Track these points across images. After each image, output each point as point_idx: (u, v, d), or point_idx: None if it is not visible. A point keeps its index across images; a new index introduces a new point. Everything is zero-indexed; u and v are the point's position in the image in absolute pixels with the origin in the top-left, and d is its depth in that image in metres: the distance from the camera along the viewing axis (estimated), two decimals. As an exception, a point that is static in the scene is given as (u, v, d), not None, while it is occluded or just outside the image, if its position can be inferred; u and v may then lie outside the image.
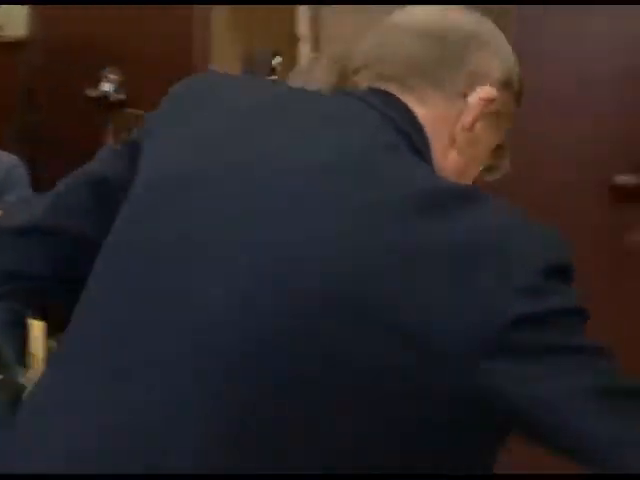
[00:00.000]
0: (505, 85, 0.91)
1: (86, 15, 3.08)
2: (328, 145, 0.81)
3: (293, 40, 2.82)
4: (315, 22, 2.76)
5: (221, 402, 0.75)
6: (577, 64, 2.01)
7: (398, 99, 0.87)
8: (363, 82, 0.91)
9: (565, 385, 0.74)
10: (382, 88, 0.88)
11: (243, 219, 0.79)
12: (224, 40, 2.82)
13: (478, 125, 0.90)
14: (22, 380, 1.80)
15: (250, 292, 0.76)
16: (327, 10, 2.78)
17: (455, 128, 0.89)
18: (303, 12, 2.72)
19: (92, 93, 3.06)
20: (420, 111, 0.87)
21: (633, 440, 0.74)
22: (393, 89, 0.88)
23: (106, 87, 3.05)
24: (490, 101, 0.89)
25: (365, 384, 0.74)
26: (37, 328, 2.24)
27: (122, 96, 3.03)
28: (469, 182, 0.94)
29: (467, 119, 0.88)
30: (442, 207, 0.76)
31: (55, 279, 0.97)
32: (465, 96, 0.89)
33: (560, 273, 0.75)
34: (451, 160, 0.90)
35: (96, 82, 3.06)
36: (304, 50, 2.77)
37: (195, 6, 2.81)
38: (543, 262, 0.74)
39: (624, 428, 0.74)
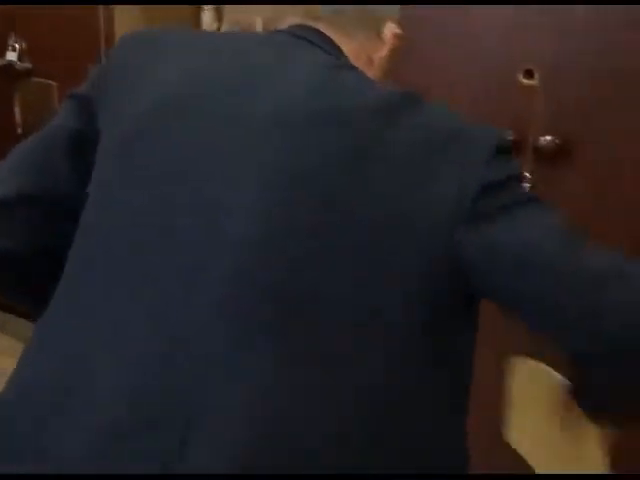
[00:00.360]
0: (400, 28, 1.12)
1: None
2: (294, 71, 0.93)
3: (197, 8, 2.88)
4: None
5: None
6: (456, 26, 2.14)
7: (325, 34, 1.03)
8: (291, 19, 1.07)
9: (537, 227, 0.87)
10: (311, 25, 1.04)
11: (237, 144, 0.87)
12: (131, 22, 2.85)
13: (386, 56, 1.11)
14: None
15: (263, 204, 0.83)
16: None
17: (373, 57, 1.09)
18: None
19: (-3, 62, 3.03)
20: (346, 46, 1.05)
21: (599, 270, 0.86)
22: (321, 27, 1.04)
23: (11, 56, 3.03)
24: (399, 38, 1.10)
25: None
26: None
27: (28, 65, 3.01)
28: None
29: (384, 50, 1.10)
30: (406, 107, 0.91)
31: (28, 251, 0.96)
32: (381, 33, 1.09)
33: (505, 150, 0.91)
34: None
35: (1, 51, 3.03)
36: (207, 18, 2.83)
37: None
38: (494, 142, 0.90)
39: (590, 260, 0.87)
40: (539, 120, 2.05)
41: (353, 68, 0.99)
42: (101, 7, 2.80)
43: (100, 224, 0.89)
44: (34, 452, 0.82)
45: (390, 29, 1.10)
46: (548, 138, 2.05)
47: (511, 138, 2.08)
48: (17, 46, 3.03)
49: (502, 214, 0.87)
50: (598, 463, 1.01)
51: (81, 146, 0.96)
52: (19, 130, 2.99)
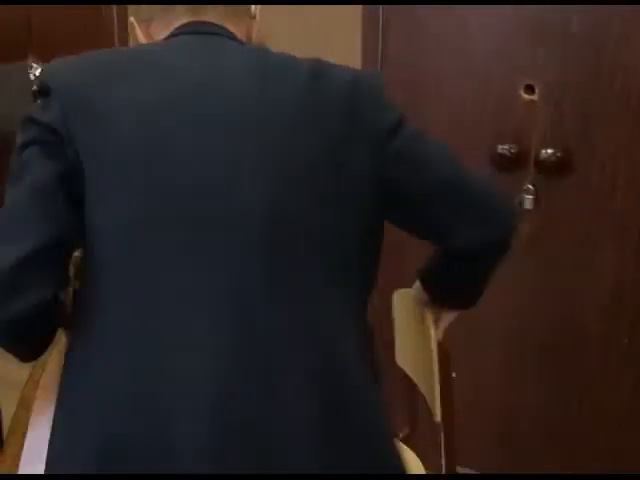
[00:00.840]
0: None
1: (7, 8, 3.14)
2: (230, 75, 1.07)
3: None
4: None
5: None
6: (457, 43, 2.21)
7: (224, 27, 1.15)
8: (180, 17, 1.16)
9: (436, 147, 1.15)
10: (206, 20, 1.15)
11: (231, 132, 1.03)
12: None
13: None
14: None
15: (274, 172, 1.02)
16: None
17: (251, 35, 1.21)
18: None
19: (16, 83, 3.12)
20: (238, 32, 1.17)
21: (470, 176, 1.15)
22: (214, 19, 1.15)
23: (29, 77, 3.11)
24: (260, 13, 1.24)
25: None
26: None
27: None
28: None
29: (257, 27, 1.22)
30: (324, 71, 1.10)
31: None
32: (251, 13, 1.21)
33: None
34: None
35: (20, 72, 3.11)
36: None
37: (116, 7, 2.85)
38: (383, 91, 1.13)
39: (476, 176, 1.15)
40: (540, 134, 2.12)
41: (268, 50, 1.14)
42: (116, 28, 2.88)
43: (137, 236, 1.00)
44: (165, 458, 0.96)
45: (256, 7, 1.22)
46: (549, 151, 2.11)
47: (514, 151, 2.15)
48: (36, 67, 3.10)
49: (409, 147, 1.11)
50: (431, 338, 1.40)
51: (70, 184, 1.02)
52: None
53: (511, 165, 2.16)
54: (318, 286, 1.04)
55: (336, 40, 2.67)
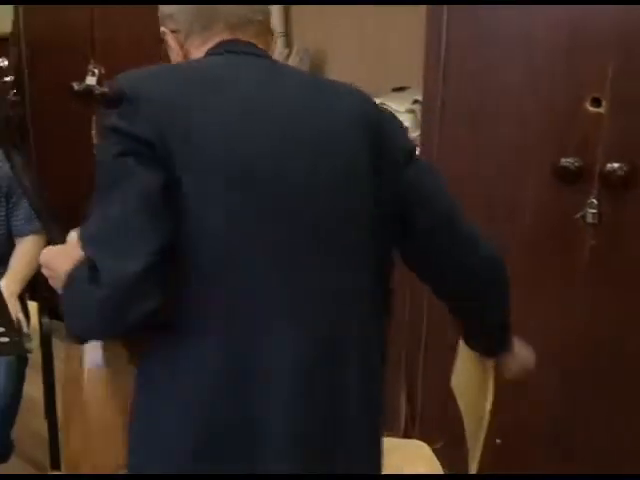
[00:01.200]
0: None
1: (71, 15, 3.19)
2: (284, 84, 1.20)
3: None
4: (287, 18, 2.92)
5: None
6: (523, 53, 2.17)
7: (257, 46, 1.25)
8: (218, 35, 1.23)
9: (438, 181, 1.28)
10: (240, 38, 1.24)
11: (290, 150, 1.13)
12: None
13: None
14: (27, 346, 1.95)
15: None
16: (297, 7, 2.95)
17: (272, 51, 1.31)
18: (275, 10, 2.86)
19: (77, 87, 3.18)
20: (267, 49, 1.28)
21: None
22: (244, 36, 1.24)
23: (90, 81, 3.17)
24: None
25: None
26: (33, 307, 2.40)
27: (106, 89, 3.12)
28: None
29: (276, 43, 1.35)
30: (352, 92, 1.24)
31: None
32: (272, 30, 1.31)
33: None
34: None
35: (82, 76, 3.17)
36: (277, 45, 2.92)
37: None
38: (404, 127, 1.29)
39: (469, 223, 1.30)
40: (606, 147, 2.06)
41: (317, 74, 1.29)
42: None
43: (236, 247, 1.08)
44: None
45: (274, 25, 1.32)
46: (615, 165, 2.06)
47: (578, 165, 2.10)
48: (96, 71, 3.15)
49: (420, 178, 1.24)
50: (488, 388, 1.46)
51: (169, 193, 1.05)
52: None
53: (574, 179, 2.11)
54: (364, 285, 1.18)
55: (399, 51, 2.66)
